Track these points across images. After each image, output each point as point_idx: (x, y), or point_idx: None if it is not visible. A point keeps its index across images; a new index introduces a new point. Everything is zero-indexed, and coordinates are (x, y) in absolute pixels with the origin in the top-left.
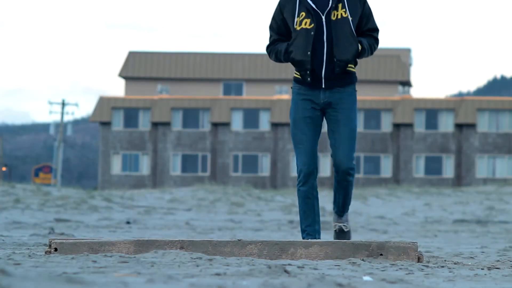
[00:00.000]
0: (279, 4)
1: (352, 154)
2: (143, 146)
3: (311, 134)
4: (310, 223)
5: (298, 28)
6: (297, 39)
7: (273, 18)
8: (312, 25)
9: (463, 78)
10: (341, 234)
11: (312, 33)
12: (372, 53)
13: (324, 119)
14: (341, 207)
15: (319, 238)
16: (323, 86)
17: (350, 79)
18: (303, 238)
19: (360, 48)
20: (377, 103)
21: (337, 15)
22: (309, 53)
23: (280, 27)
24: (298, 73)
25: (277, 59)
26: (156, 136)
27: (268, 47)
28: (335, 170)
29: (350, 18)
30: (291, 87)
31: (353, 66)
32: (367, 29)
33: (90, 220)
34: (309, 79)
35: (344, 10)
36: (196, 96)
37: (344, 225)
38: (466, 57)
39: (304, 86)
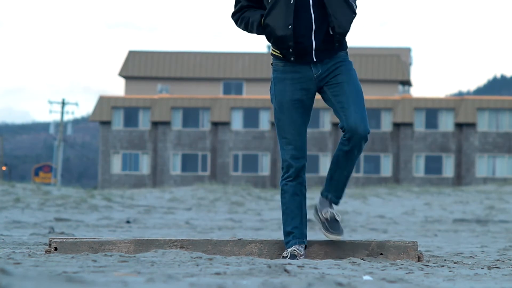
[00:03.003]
0: None
1: (366, 115)
2: (143, 145)
3: (301, 121)
4: (297, 225)
5: None
6: (275, 9)
7: None
8: None
9: (463, 78)
10: (335, 223)
11: (292, 1)
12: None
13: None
14: (341, 190)
15: (306, 244)
16: (314, 60)
17: (341, 46)
18: (288, 244)
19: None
20: (377, 102)
21: None
22: (290, 26)
23: None
24: (277, 51)
25: (247, 30)
26: (156, 135)
27: (234, 14)
28: (346, 136)
29: None
30: (271, 64)
31: None
32: None
33: (90, 220)
34: (292, 58)
35: None
36: (196, 96)
37: (336, 213)
38: (466, 57)
39: (289, 62)
